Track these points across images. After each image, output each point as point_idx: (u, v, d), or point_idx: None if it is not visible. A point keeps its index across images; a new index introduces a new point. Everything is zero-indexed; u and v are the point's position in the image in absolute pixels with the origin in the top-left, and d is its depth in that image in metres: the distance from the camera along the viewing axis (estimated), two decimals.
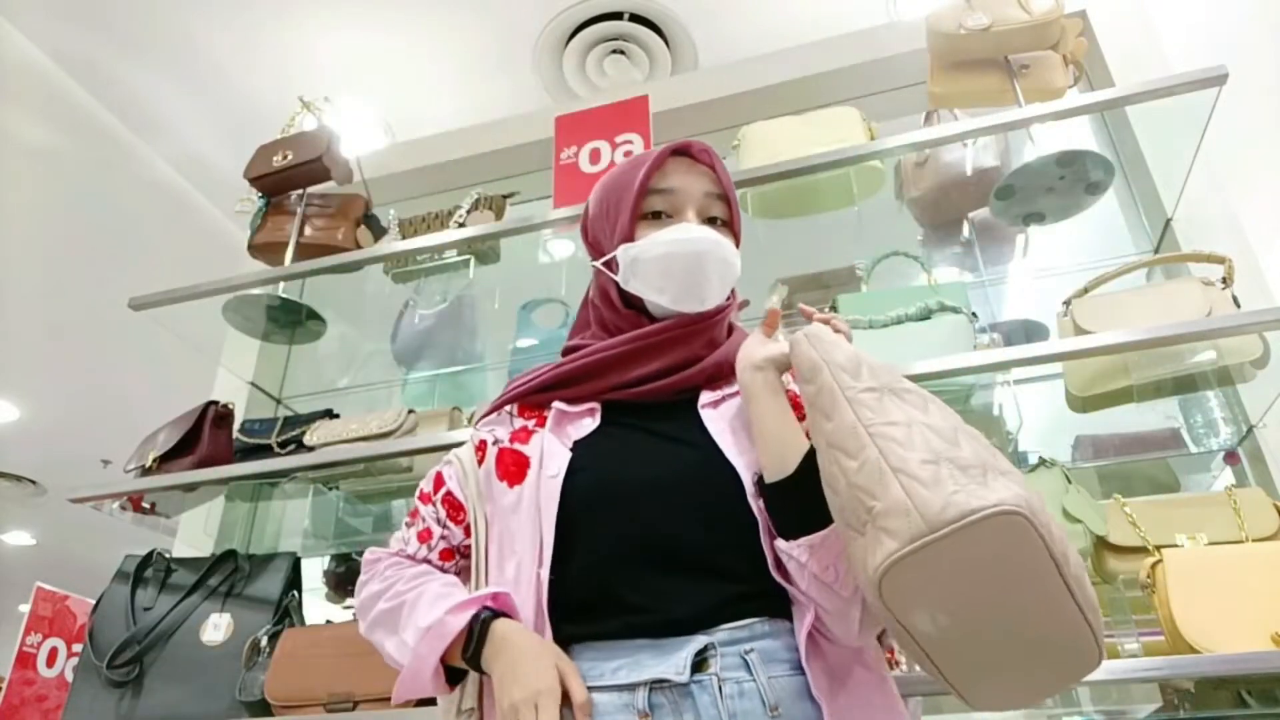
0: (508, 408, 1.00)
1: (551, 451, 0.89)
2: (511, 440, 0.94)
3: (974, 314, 1.47)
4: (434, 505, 0.97)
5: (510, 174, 2.43)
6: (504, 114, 2.71)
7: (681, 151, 0.98)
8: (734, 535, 0.82)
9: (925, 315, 1.45)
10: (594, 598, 0.82)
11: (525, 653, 0.77)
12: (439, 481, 0.98)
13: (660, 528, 0.82)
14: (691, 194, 0.96)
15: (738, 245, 0.99)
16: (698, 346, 0.94)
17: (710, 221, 0.97)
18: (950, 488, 0.61)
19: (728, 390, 0.94)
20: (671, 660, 0.76)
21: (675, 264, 0.92)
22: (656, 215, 0.96)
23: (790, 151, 1.70)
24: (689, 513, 0.83)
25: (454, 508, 0.96)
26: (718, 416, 0.91)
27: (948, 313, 1.44)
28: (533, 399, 0.98)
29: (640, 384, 0.92)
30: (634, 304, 0.96)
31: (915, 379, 1.30)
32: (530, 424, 0.95)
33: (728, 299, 0.98)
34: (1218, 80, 1.45)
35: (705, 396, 0.93)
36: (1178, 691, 1.27)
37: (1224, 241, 1.57)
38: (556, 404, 0.94)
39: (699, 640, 0.77)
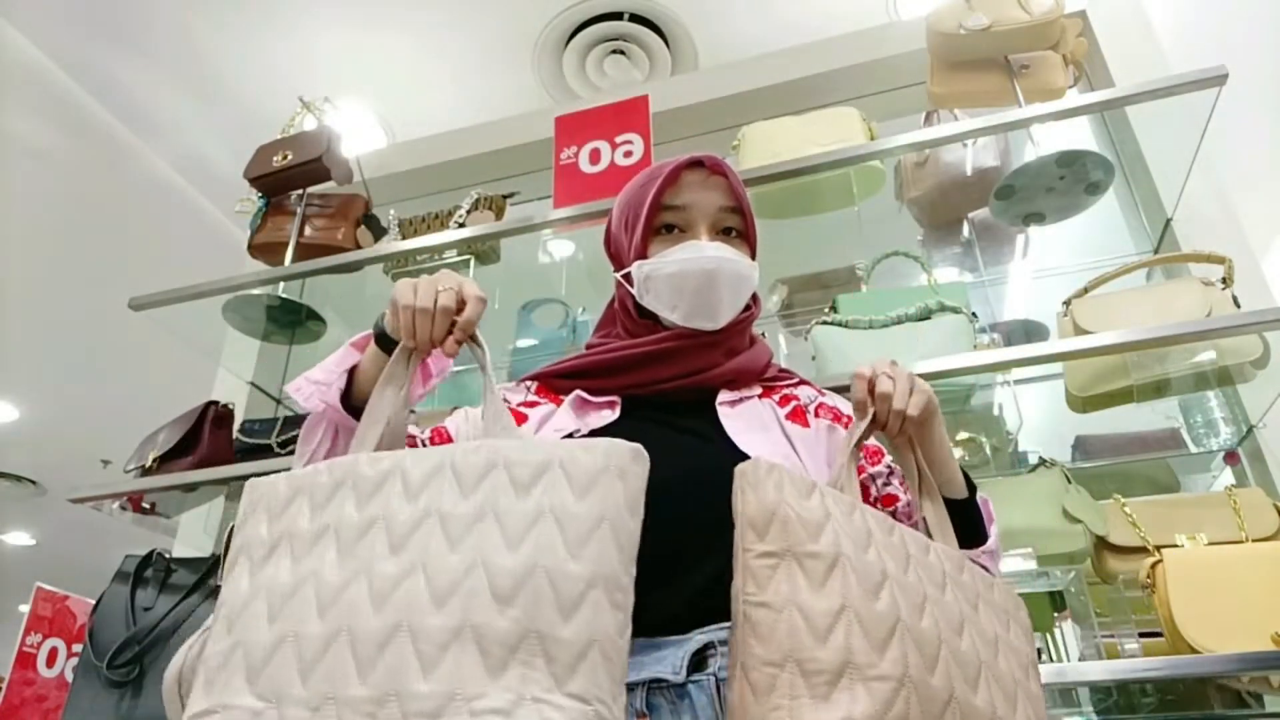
0: (528, 383, 1.01)
1: (561, 423, 0.91)
2: (519, 405, 0.96)
3: (974, 314, 1.47)
4: (419, 441, 0.96)
5: (510, 174, 2.43)
6: (504, 114, 2.70)
7: (694, 165, 0.99)
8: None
9: (925, 315, 1.45)
10: None
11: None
12: (435, 429, 0.98)
13: (671, 522, 0.82)
14: (704, 209, 0.97)
15: (753, 256, 0.99)
16: (717, 355, 0.96)
17: (725, 234, 0.97)
18: (773, 702, 0.58)
19: (746, 393, 0.96)
20: (669, 660, 0.75)
21: (687, 282, 0.93)
22: (669, 230, 0.97)
23: (790, 151, 1.70)
24: (701, 507, 0.82)
25: (442, 439, 0.95)
26: (735, 415, 0.92)
27: (948, 313, 1.44)
28: (554, 383, 0.99)
29: (659, 384, 0.93)
30: (649, 315, 0.98)
31: None
32: (544, 401, 0.96)
33: (747, 308, 1.00)
34: (1218, 80, 1.45)
35: (723, 396, 0.94)
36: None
37: (1224, 241, 1.57)
38: (578, 391, 0.95)
39: (698, 639, 0.76)
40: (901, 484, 0.93)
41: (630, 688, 0.75)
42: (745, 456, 0.85)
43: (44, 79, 2.72)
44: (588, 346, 1.04)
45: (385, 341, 0.83)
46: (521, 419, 0.93)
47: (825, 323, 1.49)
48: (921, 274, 1.64)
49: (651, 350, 0.94)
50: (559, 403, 0.95)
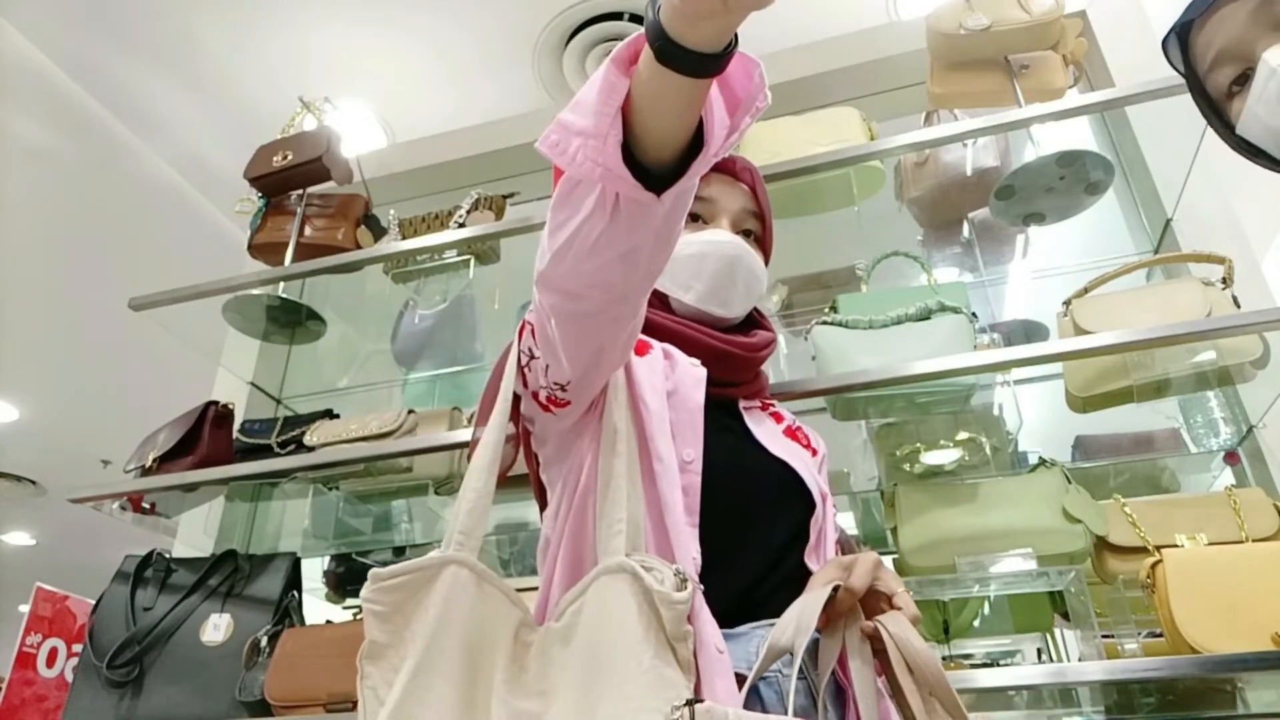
0: None
1: (685, 356, 0.90)
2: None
3: (974, 314, 1.47)
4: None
5: (510, 174, 2.43)
6: (504, 114, 2.70)
7: (725, 169, 1.02)
8: (783, 528, 0.86)
9: (925, 315, 1.45)
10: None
11: None
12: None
13: (724, 513, 0.83)
14: (729, 206, 1.00)
15: (766, 264, 1.03)
16: (753, 373, 1.01)
17: (745, 235, 1.01)
18: None
19: (754, 404, 1.01)
20: (742, 652, 0.74)
21: (707, 264, 0.96)
22: (694, 219, 1.00)
23: (790, 151, 1.70)
24: (747, 500, 0.86)
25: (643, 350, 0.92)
26: (754, 423, 0.97)
27: (948, 313, 1.44)
28: (648, 332, 0.95)
29: (730, 387, 0.95)
30: (661, 298, 1.00)
31: (915, 379, 1.32)
32: (643, 337, 0.92)
33: (766, 327, 1.03)
34: None
35: (742, 404, 0.98)
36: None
37: (1224, 241, 1.57)
38: (676, 350, 0.92)
39: (754, 635, 0.76)
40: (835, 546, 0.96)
41: None
42: (777, 458, 0.90)
43: (44, 79, 2.72)
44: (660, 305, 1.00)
45: (672, 49, 0.54)
46: (646, 347, 0.90)
47: (825, 323, 1.49)
48: (921, 274, 1.64)
49: (726, 350, 0.95)
50: (652, 344, 0.92)
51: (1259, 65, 0.74)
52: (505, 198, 2.06)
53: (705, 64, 0.55)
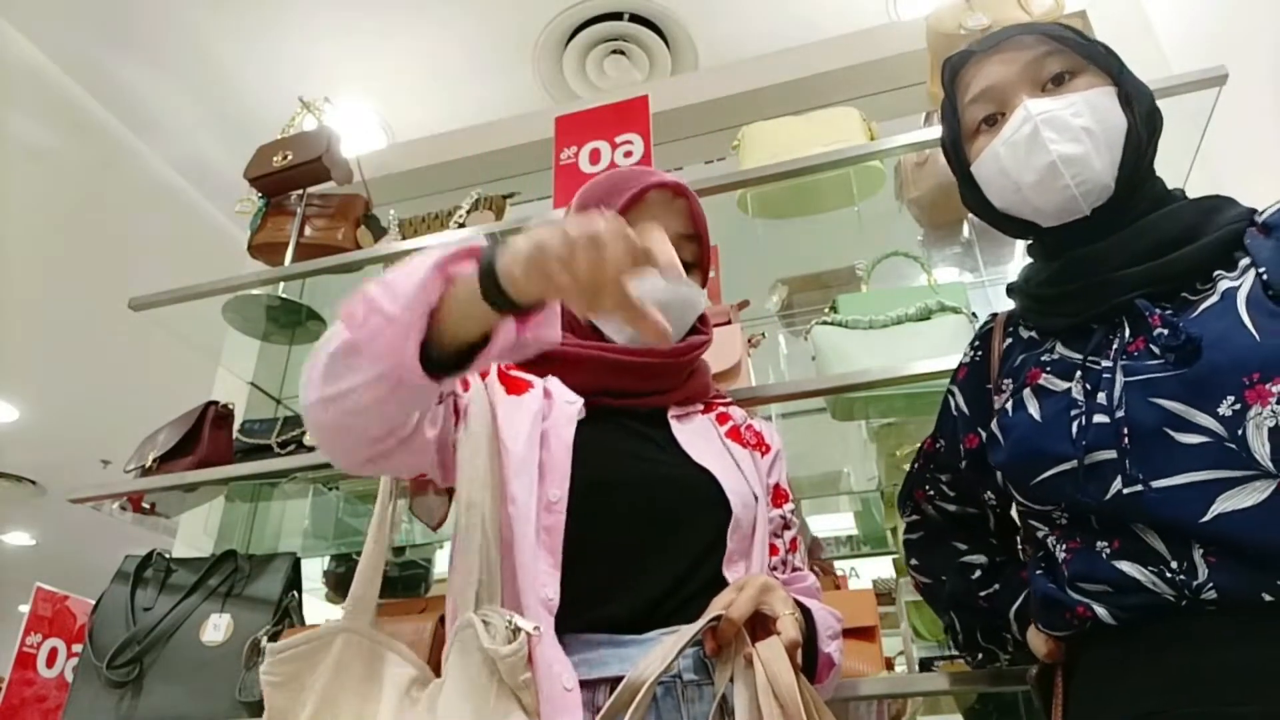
0: None
1: (564, 392, 0.90)
2: (512, 371, 0.93)
3: (974, 314, 1.47)
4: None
5: (510, 174, 2.43)
6: (504, 114, 2.71)
7: (660, 185, 0.99)
8: (698, 538, 0.85)
9: (925, 315, 1.45)
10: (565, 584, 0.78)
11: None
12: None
13: (631, 521, 0.83)
14: None
15: (704, 284, 1.01)
16: (681, 376, 0.99)
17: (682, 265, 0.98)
18: None
19: (691, 409, 0.99)
20: (633, 659, 0.74)
21: None
22: None
23: (790, 151, 1.70)
24: (659, 509, 0.85)
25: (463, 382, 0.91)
26: (684, 429, 0.95)
27: (948, 313, 1.44)
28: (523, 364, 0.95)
29: (624, 395, 0.93)
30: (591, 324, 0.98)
31: (915, 379, 1.32)
32: (523, 374, 0.93)
33: (701, 332, 1.01)
34: (1218, 80, 1.45)
35: (673, 410, 0.97)
36: None
37: None
38: (555, 379, 0.92)
39: (667, 638, 0.76)
40: (791, 544, 0.97)
41: (593, 684, 0.75)
42: (699, 466, 0.89)
43: (44, 79, 2.72)
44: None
45: (496, 294, 0.61)
46: (525, 385, 0.90)
47: (825, 323, 1.49)
48: (921, 274, 1.64)
49: (631, 362, 0.93)
50: (532, 382, 0.92)
51: (1017, 110, 0.81)
52: (505, 198, 2.06)
53: (519, 308, 0.62)
